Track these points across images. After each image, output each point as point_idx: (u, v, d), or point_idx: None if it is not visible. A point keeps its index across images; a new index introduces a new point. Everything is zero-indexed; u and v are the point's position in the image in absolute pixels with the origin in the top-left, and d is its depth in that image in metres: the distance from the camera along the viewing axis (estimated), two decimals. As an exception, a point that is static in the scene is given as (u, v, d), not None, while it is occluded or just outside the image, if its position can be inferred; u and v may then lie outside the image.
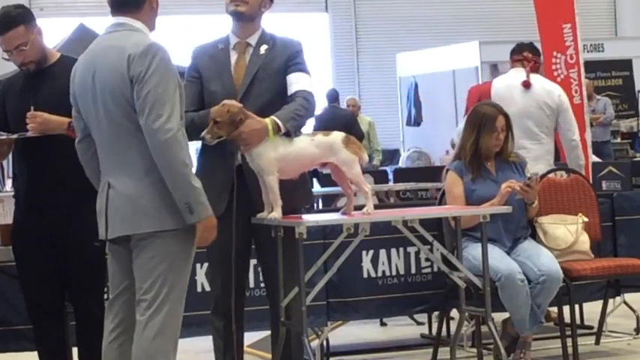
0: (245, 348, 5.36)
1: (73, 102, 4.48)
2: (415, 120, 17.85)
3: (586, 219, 6.56)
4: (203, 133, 4.80)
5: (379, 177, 11.94)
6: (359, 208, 5.14)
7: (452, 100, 16.60)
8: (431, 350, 6.41)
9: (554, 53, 8.31)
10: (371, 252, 6.51)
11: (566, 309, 6.32)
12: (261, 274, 5.86)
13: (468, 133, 6.31)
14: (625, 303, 7.10)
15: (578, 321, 6.87)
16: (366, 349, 7.09)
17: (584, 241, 6.51)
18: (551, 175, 6.91)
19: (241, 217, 4.96)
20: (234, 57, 5.08)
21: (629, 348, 6.85)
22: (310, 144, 4.93)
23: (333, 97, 15.15)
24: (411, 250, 6.54)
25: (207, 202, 4.27)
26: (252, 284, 6.19)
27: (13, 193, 5.29)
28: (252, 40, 5.08)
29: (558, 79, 8.17)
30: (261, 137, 4.80)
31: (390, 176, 12.33)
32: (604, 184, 11.22)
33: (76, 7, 18.01)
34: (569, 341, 6.22)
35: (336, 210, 6.12)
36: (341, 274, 6.12)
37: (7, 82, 5.19)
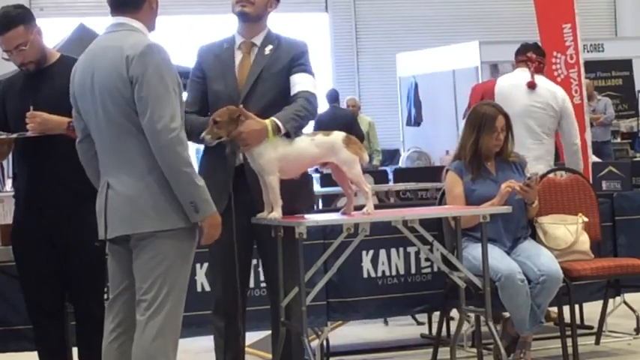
0: (245, 348, 5.35)
1: (73, 102, 4.48)
2: (415, 120, 17.85)
3: (586, 219, 6.56)
4: (203, 134, 4.80)
5: (379, 177, 11.95)
6: (359, 208, 5.14)
7: (452, 100, 16.60)
8: (431, 350, 6.41)
9: (555, 53, 8.31)
10: (371, 252, 6.51)
11: (566, 309, 6.32)
12: (261, 274, 5.87)
13: (467, 133, 6.31)
14: (625, 303, 7.10)
15: (578, 321, 6.87)
16: (366, 349, 7.09)
17: (584, 241, 6.51)
18: (551, 175, 6.91)
19: (243, 217, 4.97)
20: (238, 57, 5.08)
21: (629, 348, 6.85)
22: (311, 144, 4.94)
23: (333, 97, 15.16)
24: (411, 250, 6.54)
25: (211, 200, 4.28)
26: (252, 284, 6.18)
27: (13, 193, 5.29)
28: (258, 40, 5.09)
29: (558, 79, 8.18)
30: (260, 138, 4.80)
31: (390, 176, 12.34)
32: (604, 184, 11.22)
33: (76, 7, 18.01)
34: (569, 341, 6.22)
35: (336, 210, 6.12)
36: (341, 274, 6.12)
37: (7, 82, 5.19)
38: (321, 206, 10.18)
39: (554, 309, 6.60)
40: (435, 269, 6.46)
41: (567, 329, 6.27)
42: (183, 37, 17.74)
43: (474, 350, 6.28)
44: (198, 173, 4.97)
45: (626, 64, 17.55)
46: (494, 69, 15.64)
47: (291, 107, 4.91)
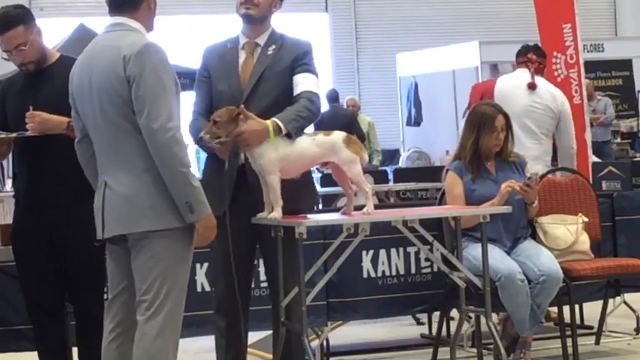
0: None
1: (72, 103, 4.48)
2: (415, 120, 17.85)
3: (586, 219, 6.56)
4: (202, 134, 4.81)
5: (379, 177, 11.95)
6: (359, 208, 5.14)
7: (452, 100, 16.60)
8: (431, 350, 6.41)
9: (555, 53, 8.30)
10: (371, 252, 6.51)
11: (566, 309, 6.32)
12: (262, 273, 5.88)
13: (467, 133, 6.31)
14: (625, 303, 7.10)
15: (578, 321, 6.87)
16: (366, 349, 7.09)
17: (584, 241, 6.51)
18: (551, 175, 6.91)
19: (245, 217, 4.97)
20: (242, 57, 5.09)
21: (629, 348, 6.85)
22: (311, 144, 4.93)
23: (333, 97, 15.16)
24: (411, 250, 6.54)
25: (207, 201, 4.28)
26: (252, 284, 6.18)
27: (13, 193, 5.29)
28: (261, 40, 5.09)
29: (558, 79, 8.17)
30: (261, 138, 4.80)
31: (390, 176, 12.34)
32: (604, 184, 11.22)
33: (76, 7, 18.02)
34: (569, 341, 6.22)
35: (336, 210, 6.12)
36: (341, 274, 6.12)
37: (7, 82, 5.19)
38: (321, 206, 10.18)
39: (554, 309, 6.60)
40: (435, 269, 6.46)
41: (567, 329, 6.27)
42: (183, 37, 17.76)
43: (474, 350, 6.28)
44: (202, 173, 4.98)
45: (626, 64, 17.55)
46: (495, 69, 15.63)
47: (293, 107, 4.91)
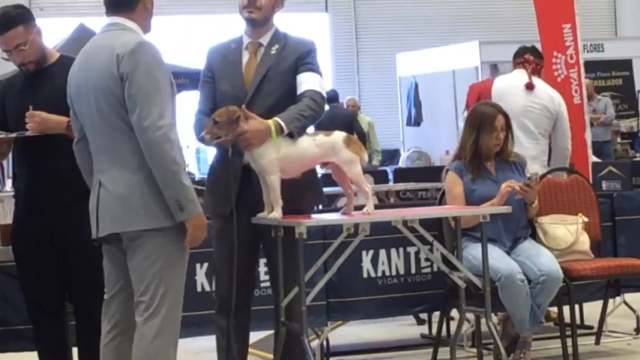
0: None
1: (70, 103, 4.50)
2: (415, 120, 17.86)
3: (586, 219, 6.56)
4: (202, 133, 4.82)
5: (379, 177, 11.95)
6: (359, 208, 5.14)
7: (452, 100, 16.60)
8: (431, 350, 6.41)
9: (555, 53, 8.30)
10: (371, 252, 6.51)
11: (566, 309, 6.32)
12: (262, 273, 5.88)
13: (467, 133, 6.31)
14: (625, 303, 7.09)
15: (578, 321, 6.87)
16: (366, 349, 7.09)
17: (584, 241, 6.51)
18: (550, 175, 6.91)
19: (248, 217, 4.97)
20: (245, 57, 5.09)
21: (629, 348, 6.85)
22: (312, 144, 4.93)
23: (333, 97, 15.14)
24: (411, 250, 6.54)
25: (198, 201, 4.27)
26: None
27: (13, 193, 5.29)
28: (265, 40, 5.09)
29: (558, 79, 8.17)
30: (263, 138, 4.80)
31: (390, 176, 12.33)
32: (604, 184, 11.21)
33: (76, 7, 18.01)
34: (569, 341, 6.22)
35: (336, 210, 6.12)
36: (341, 274, 6.12)
37: (7, 82, 5.20)
38: (320, 206, 10.17)
39: (554, 309, 6.60)
40: (435, 269, 6.46)
41: (567, 329, 6.27)
42: (183, 37, 17.76)
43: (474, 350, 6.29)
44: (208, 174, 4.98)
45: (626, 64, 17.55)
46: (494, 69, 15.61)
47: (296, 107, 4.91)
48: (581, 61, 8.35)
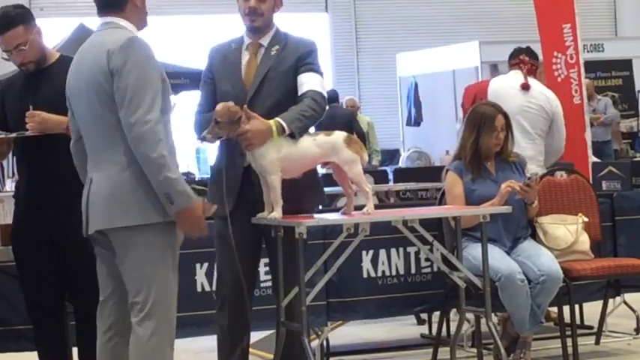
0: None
1: (68, 104, 4.51)
2: (415, 120, 17.85)
3: (586, 219, 6.56)
4: (204, 133, 4.83)
5: (379, 177, 11.94)
6: (359, 208, 5.14)
7: (452, 100, 16.58)
8: (431, 350, 6.41)
9: (555, 53, 8.31)
10: (371, 252, 6.51)
11: (566, 309, 6.32)
12: (262, 273, 5.88)
13: (467, 133, 6.31)
14: (625, 303, 7.10)
15: (578, 321, 6.87)
16: (366, 349, 7.09)
17: (584, 241, 6.52)
18: (550, 175, 6.91)
19: (249, 217, 4.97)
20: (245, 57, 5.09)
21: (629, 348, 6.85)
22: (312, 144, 4.94)
23: (333, 97, 15.14)
24: (411, 250, 6.54)
25: (190, 192, 4.24)
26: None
27: (13, 193, 5.29)
28: (265, 40, 5.09)
29: (558, 79, 8.18)
30: (265, 138, 4.81)
31: (390, 176, 12.32)
32: (604, 184, 11.20)
33: (76, 7, 17.98)
34: (569, 341, 6.22)
35: (336, 210, 6.12)
36: (341, 274, 6.12)
37: (7, 82, 5.20)
38: (321, 206, 10.17)
39: (554, 309, 6.60)
40: (435, 269, 6.46)
41: (567, 329, 6.27)
42: (183, 37, 17.76)
43: (474, 350, 6.29)
44: (211, 173, 4.98)
45: (626, 64, 17.53)
46: (494, 69, 15.57)
47: (297, 107, 4.91)
48: (581, 61, 8.36)
